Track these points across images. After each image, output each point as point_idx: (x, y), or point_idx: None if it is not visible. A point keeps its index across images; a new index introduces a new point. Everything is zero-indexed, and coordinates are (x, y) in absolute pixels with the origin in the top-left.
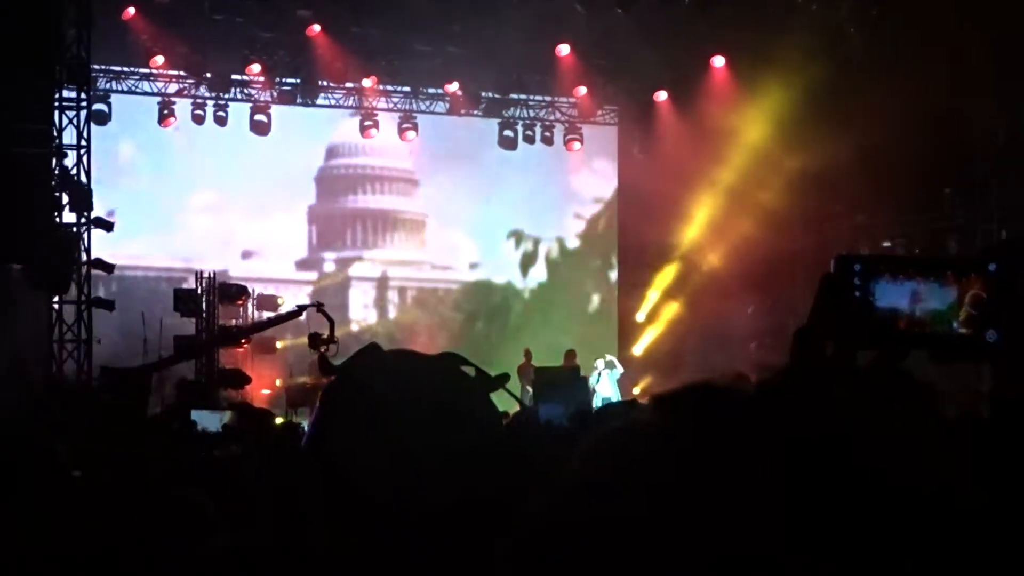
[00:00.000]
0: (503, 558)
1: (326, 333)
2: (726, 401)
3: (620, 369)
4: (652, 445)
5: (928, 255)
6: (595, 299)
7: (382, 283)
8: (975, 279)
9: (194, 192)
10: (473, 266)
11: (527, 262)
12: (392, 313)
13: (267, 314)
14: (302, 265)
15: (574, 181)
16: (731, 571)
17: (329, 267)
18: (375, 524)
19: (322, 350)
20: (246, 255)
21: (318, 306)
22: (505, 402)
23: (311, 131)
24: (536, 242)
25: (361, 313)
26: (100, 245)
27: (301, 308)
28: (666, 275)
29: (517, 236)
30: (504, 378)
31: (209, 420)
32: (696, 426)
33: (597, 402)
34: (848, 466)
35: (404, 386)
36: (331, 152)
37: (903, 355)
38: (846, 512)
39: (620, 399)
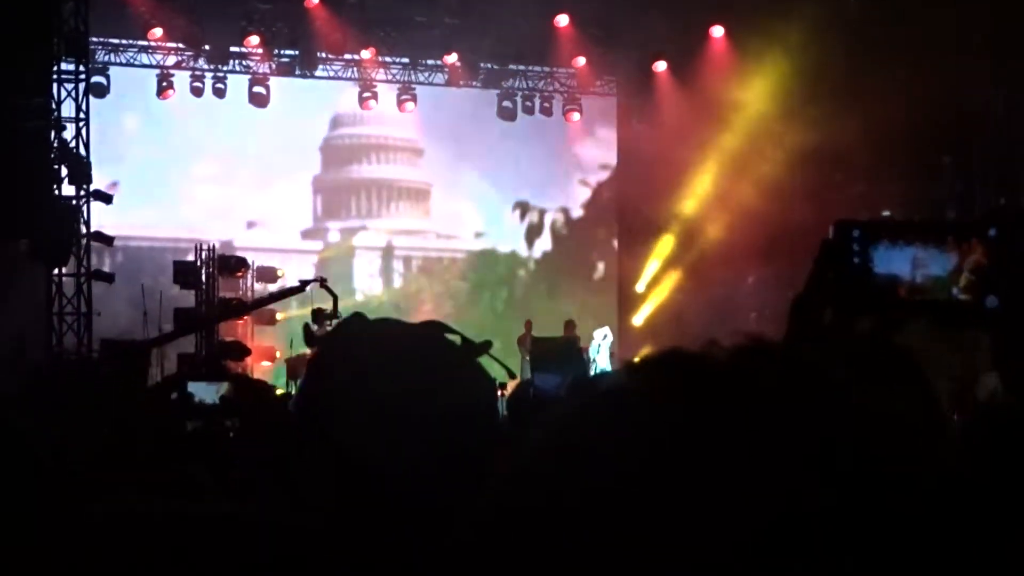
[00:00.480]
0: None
1: (329, 308)
2: (695, 369)
3: (611, 338)
4: (617, 415)
5: (929, 220)
6: (600, 268)
7: (387, 252)
8: (976, 244)
9: (196, 163)
10: (478, 235)
11: (532, 232)
12: (397, 282)
13: (269, 287)
14: (307, 235)
15: (578, 150)
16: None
17: (334, 237)
18: (365, 492)
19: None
20: (250, 225)
21: (321, 281)
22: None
23: (314, 101)
24: (541, 212)
25: (366, 283)
26: (102, 217)
27: (304, 283)
28: (666, 245)
29: (522, 207)
30: (486, 345)
31: (206, 392)
32: (663, 394)
33: (596, 372)
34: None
35: (387, 354)
36: (335, 122)
37: (902, 323)
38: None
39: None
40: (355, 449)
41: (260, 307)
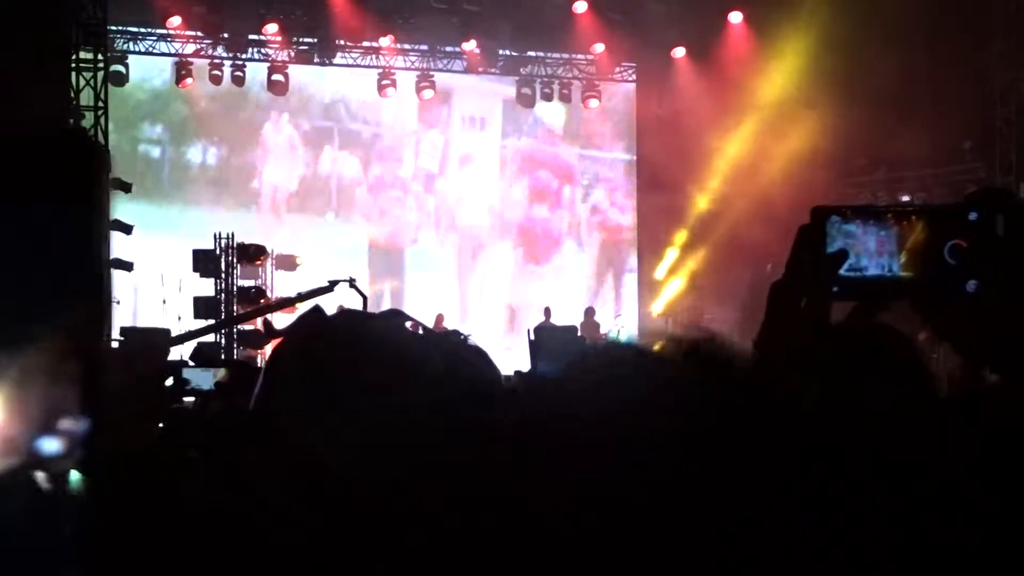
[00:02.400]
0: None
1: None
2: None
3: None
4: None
5: (906, 203)
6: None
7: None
8: (915, 222)
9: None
10: None
11: None
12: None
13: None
14: None
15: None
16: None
17: None
18: (319, 490)
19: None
20: None
21: (351, 281)
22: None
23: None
24: None
25: None
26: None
27: (333, 283)
28: (685, 232)
29: None
30: (454, 335)
31: (202, 378)
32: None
33: None
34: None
35: (348, 347)
36: None
37: (880, 307)
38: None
39: None
40: (305, 445)
41: (283, 308)
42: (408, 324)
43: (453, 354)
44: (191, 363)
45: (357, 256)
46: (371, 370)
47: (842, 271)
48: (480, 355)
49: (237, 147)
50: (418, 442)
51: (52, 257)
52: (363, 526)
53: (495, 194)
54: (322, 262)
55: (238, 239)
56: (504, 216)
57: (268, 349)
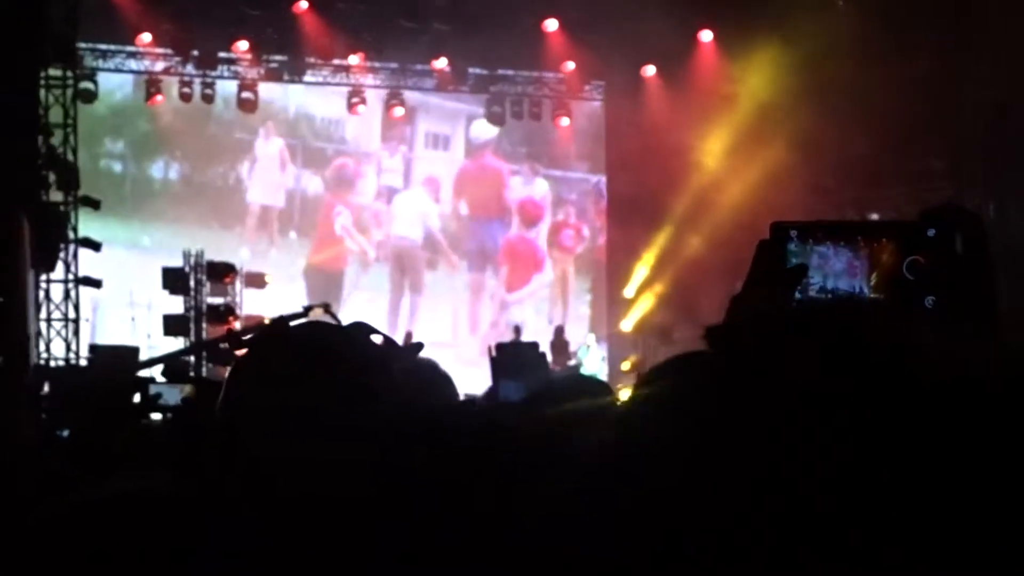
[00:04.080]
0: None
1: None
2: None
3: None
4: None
5: (866, 220)
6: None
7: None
8: (886, 244)
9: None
10: None
11: None
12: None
13: (263, 309)
14: None
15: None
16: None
17: None
18: (280, 503)
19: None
20: None
21: (325, 307)
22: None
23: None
24: None
25: None
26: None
27: (307, 309)
28: (654, 250)
29: None
30: (417, 347)
31: (169, 394)
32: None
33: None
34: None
35: (310, 359)
36: None
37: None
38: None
39: (604, 373)
40: (267, 456)
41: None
42: (374, 337)
43: (415, 369)
44: (162, 378)
45: (314, 275)
46: (333, 382)
47: (811, 292)
48: (436, 371)
49: (201, 163)
50: (377, 457)
51: None
52: (321, 538)
53: (457, 213)
54: (284, 281)
55: (206, 256)
56: (476, 237)
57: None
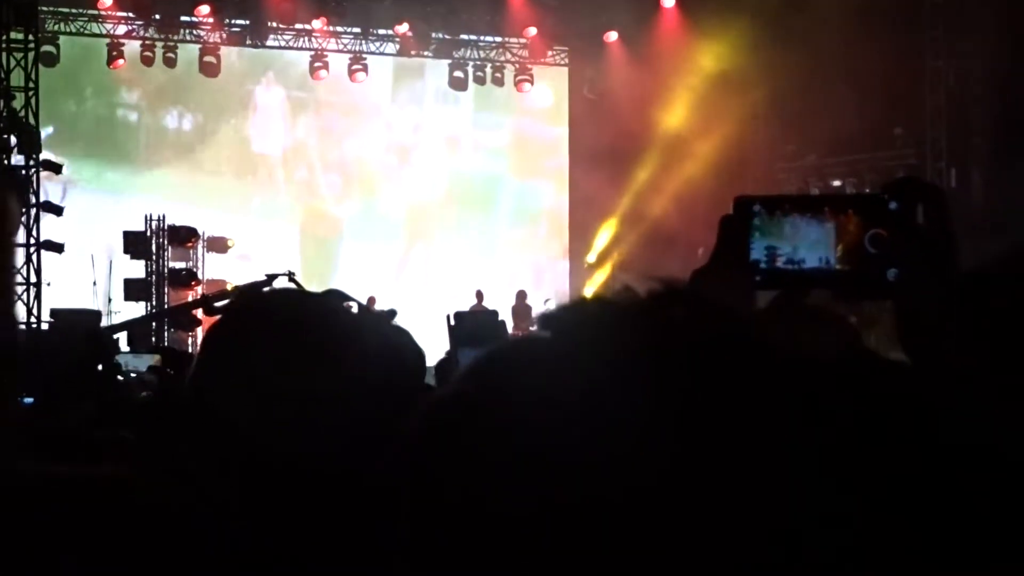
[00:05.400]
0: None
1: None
2: (608, 314)
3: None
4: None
5: (830, 193)
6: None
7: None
8: (851, 215)
9: None
10: None
11: None
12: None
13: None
14: None
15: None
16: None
17: None
18: (253, 475)
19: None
20: None
21: (289, 275)
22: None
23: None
24: None
25: None
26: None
27: (271, 277)
28: (616, 217)
29: None
30: (390, 314)
31: (136, 363)
32: (603, 357)
33: None
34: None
35: (286, 326)
36: None
37: (803, 295)
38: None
39: None
40: (241, 426)
41: (220, 301)
42: (346, 304)
43: (390, 335)
44: (128, 349)
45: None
46: (306, 349)
47: (779, 263)
48: (403, 334)
49: (214, 113)
50: (351, 421)
51: None
52: (295, 506)
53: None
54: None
55: (214, 208)
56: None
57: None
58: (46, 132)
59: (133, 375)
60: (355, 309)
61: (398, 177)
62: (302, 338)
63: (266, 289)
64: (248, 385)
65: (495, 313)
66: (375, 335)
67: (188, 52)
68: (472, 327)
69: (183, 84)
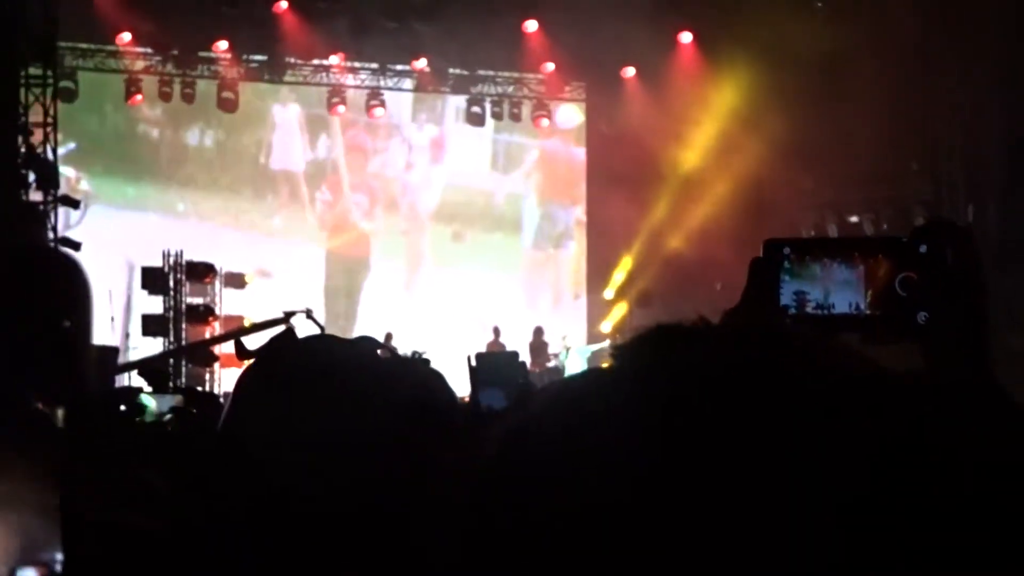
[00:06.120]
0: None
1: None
2: (695, 342)
3: (591, 347)
4: (600, 404)
5: (860, 236)
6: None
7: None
8: (881, 260)
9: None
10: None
11: None
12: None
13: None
14: None
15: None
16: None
17: None
18: (287, 517)
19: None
20: None
21: (307, 312)
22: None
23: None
24: None
25: None
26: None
27: (288, 314)
28: (634, 252)
29: None
30: (422, 361)
31: (159, 403)
32: (659, 374)
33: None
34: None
35: (316, 371)
36: None
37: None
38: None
39: None
40: (285, 478)
41: (236, 338)
42: (379, 351)
43: (422, 382)
44: (146, 384)
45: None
46: (339, 395)
47: (809, 308)
48: (438, 379)
49: (236, 131)
50: (382, 469)
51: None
52: (325, 550)
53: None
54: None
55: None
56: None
57: (237, 371)
58: (67, 148)
59: (154, 416)
60: (387, 354)
61: (418, 197)
62: (333, 386)
63: (298, 335)
64: (280, 431)
65: (515, 354)
66: (406, 383)
67: (206, 87)
68: (493, 368)
69: (204, 100)
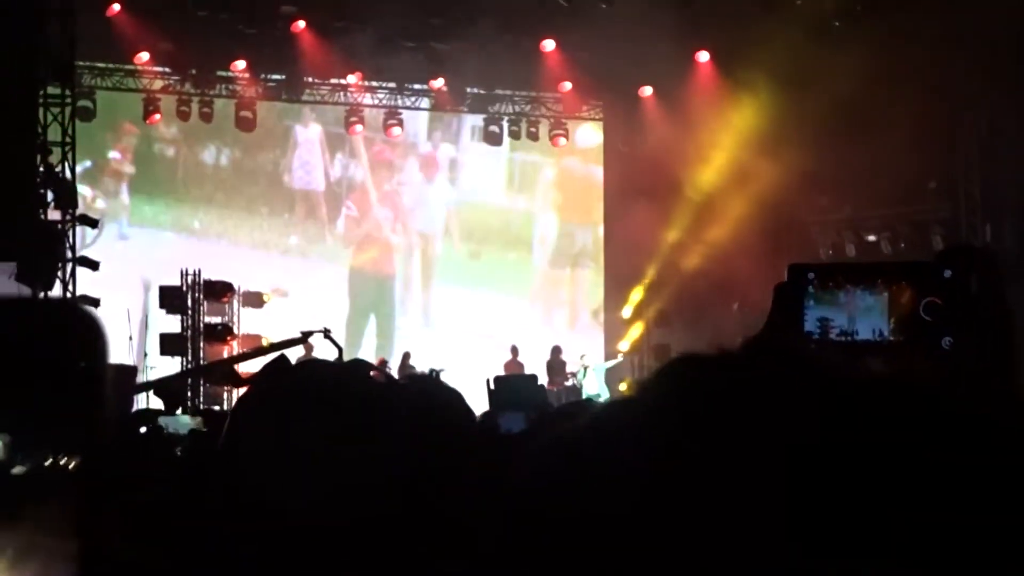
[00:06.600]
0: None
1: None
2: (715, 373)
3: (606, 364)
4: (628, 432)
5: (883, 262)
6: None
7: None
8: (904, 287)
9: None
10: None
11: None
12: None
13: (264, 343)
14: None
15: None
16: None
17: None
18: (281, 538)
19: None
20: None
21: (325, 332)
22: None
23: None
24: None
25: None
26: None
27: (306, 334)
28: (651, 271)
29: None
30: (436, 373)
31: (178, 425)
32: (682, 403)
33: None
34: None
35: (308, 397)
36: None
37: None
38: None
39: (605, 395)
40: (263, 491)
41: (253, 358)
42: (372, 373)
43: (420, 404)
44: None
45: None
46: (330, 421)
47: (832, 334)
48: (454, 396)
49: (252, 149)
50: (373, 494)
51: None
52: (315, 561)
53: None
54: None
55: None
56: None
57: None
58: (83, 166)
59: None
60: (381, 377)
61: (433, 215)
62: (325, 410)
63: (289, 349)
64: (273, 456)
65: (534, 377)
66: (398, 406)
67: (224, 106)
68: (512, 391)
69: (220, 120)
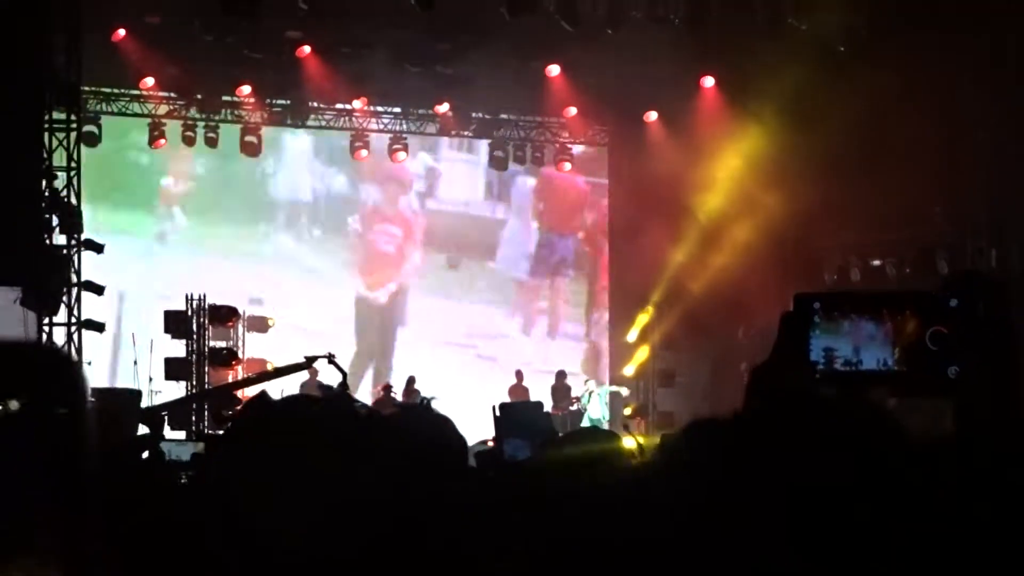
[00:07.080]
0: None
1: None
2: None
3: (611, 388)
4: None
5: (889, 292)
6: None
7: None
8: (909, 316)
9: None
10: None
11: None
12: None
13: (269, 366)
14: None
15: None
16: None
17: None
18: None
19: None
20: None
21: (329, 357)
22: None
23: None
24: None
25: None
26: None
27: (310, 359)
28: (656, 296)
29: None
30: (428, 401)
31: (180, 450)
32: (685, 465)
33: (586, 423)
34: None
35: (288, 434)
36: None
37: (862, 392)
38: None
39: (607, 419)
40: (245, 520)
41: (259, 383)
42: (357, 406)
43: (403, 435)
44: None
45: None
46: (310, 456)
47: (837, 365)
48: (441, 425)
49: (231, 157)
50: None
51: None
52: None
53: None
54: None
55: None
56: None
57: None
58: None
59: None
60: (364, 410)
61: (413, 224)
62: (303, 447)
63: (273, 399)
64: (257, 490)
65: (539, 404)
66: (387, 435)
67: (229, 131)
68: (517, 418)
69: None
